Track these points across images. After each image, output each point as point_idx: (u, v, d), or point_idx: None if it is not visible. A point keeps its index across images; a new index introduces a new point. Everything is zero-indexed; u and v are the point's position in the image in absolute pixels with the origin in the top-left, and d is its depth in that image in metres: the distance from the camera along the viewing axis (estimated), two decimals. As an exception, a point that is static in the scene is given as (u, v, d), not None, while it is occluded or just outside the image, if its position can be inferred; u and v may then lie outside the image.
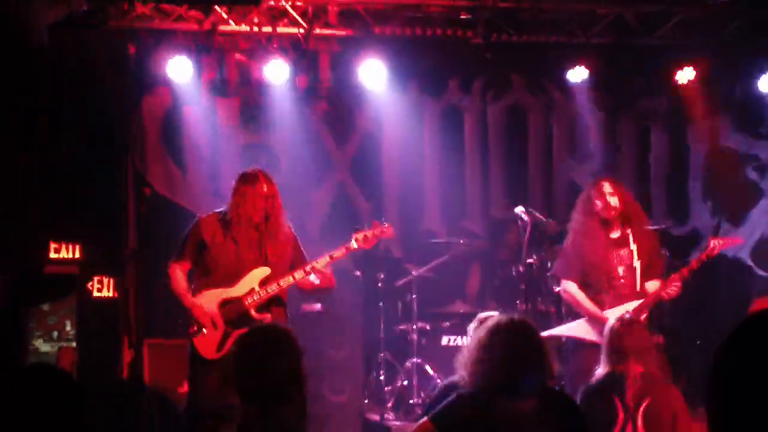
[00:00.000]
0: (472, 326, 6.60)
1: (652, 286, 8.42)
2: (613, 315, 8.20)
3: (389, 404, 10.49)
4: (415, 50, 11.56)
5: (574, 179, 12.21)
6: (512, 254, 10.87)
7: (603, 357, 6.84)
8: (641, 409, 6.48)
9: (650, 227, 8.99)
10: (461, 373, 5.14)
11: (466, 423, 5.00)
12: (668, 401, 6.65)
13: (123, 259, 10.49)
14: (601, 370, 6.79)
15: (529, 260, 9.64)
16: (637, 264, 8.45)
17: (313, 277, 7.81)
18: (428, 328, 10.77)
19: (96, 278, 9.86)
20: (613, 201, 8.49)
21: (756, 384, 1.96)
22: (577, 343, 8.51)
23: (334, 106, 11.80)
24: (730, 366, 2.02)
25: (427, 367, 10.43)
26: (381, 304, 10.86)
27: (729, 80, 12.13)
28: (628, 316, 7.09)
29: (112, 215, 10.76)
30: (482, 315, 6.66)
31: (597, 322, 8.28)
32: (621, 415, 6.48)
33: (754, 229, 12.33)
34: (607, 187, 8.53)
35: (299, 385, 4.54)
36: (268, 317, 7.72)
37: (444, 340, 10.75)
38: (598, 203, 8.50)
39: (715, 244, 8.48)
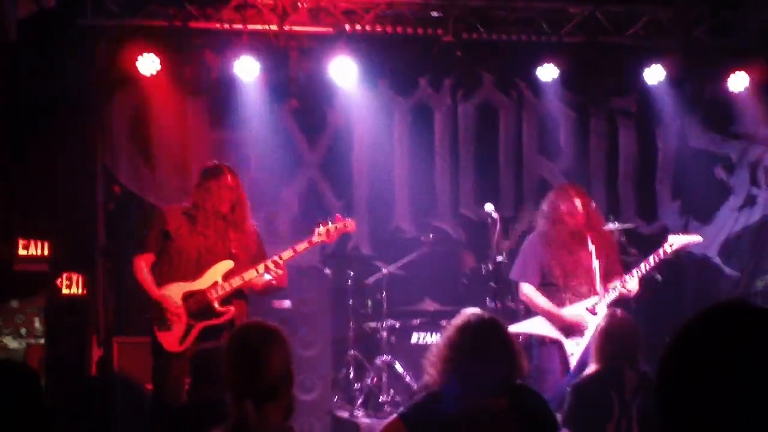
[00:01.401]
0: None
1: (612, 286, 8.55)
2: (576, 311, 8.31)
3: (359, 402, 10.49)
4: (386, 48, 11.57)
5: (545, 177, 12.25)
6: (482, 252, 10.90)
7: (596, 352, 6.85)
8: (635, 404, 6.52)
9: (608, 228, 9.09)
10: (430, 371, 5.14)
11: (436, 421, 5.00)
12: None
13: (92, 256, 10.45)
14: (594, 366, 6.80)
15: (499, 258, 9.66)
16: (595, 264, 8.55)
17: (267, 276, 7.86)
18: (398, 325, 10.77)
19: (65, 275, 9.80)
20: (581, 213, 8.60)
21: (703, 383, 1.98)
22: (536, 341, 8.59)
23: (304, 104, 11.76)
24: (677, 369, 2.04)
25: (397, 365, 10.43)
26: (350, 301, 10.87)
27: (698, 80, 12.19)
28: (619, 311, 7.13)
29: (81, 212, 10.71)
30: (467, 311, 6.69)
31: (555, 320, 8.41)
32: (617, 411, 6.51)
33: (722, 227, 12.41)
34: (577, 202, 8.63)
35: (290, 381, 4.54)
36: (231, 310, 7.77)
37: (414, 338, 10.76)
38: (566, 213, 8.59)
39: (673, 240, 8.60)
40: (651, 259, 8.60)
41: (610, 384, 6.57)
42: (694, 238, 8.82)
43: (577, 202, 8.64)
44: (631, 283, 8.53)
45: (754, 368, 1.93)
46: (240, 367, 4.47)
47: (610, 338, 6.76)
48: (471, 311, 6.55)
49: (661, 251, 8.60)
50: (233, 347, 4.58)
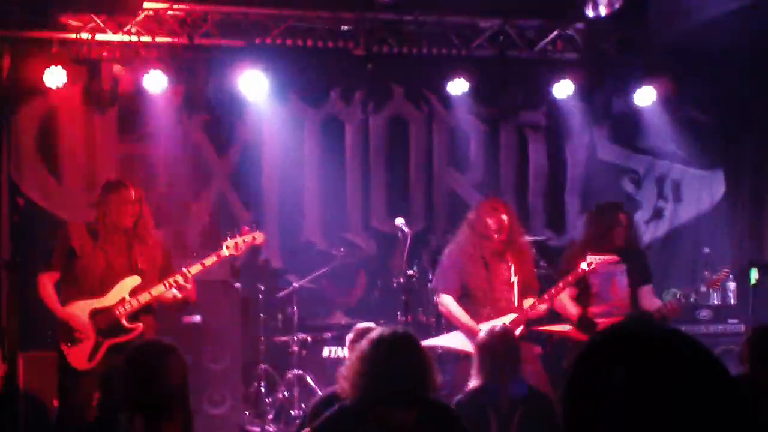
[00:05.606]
0: (349, 337, 6.62)
1: (528, 303, 8.55)
2: (485, 327, 8.29)
3: (270, 416, 10.44)
4: (297, 60, 11.50)
5: (455, 190, 12.30)
6: (393, 266, 10.91)
7: (474, 369, 6.88)
8: (515, 419, 6.53)
9: (527, 241, 9.10)
10: (343, 384, 5.12)
11: (347, 434, 4.99)
12: (542, 409, 6.71)
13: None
14: (473, 383, 6.82)
15: (410, 272, 9.66)
16: (514, 279, 8.56)
17: (174, 291, 7.78)
18: (309, 339, 10.74)
19: (-31, 289, 9.65)
20: (506, 228, 8.58)
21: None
22: (453, 355, 8.56)
23: (214, 116, 11.66)
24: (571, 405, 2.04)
25: (308, 379, 10.40)
26: (261, 315, 10.82)
27: (606, 94, 12.32)
28: (498, 327, 7.12)
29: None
30: (360, 326, 6.68)
31: (472, 335, 8.38)
32: (494, 428, 6.52)
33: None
34: (504, 217, 8.60)
35: (185, 401, 4.48)
36: (139, 326, 7.70)
37: (325, 352, 10.74)
38: (491, 224, 8.55)
39: (592, 260, 8.57)
40: (569, 277, 8.59)
41: (487, 401, 6.59)
42: (612, 258, 8.77)
43: (504, 218, 8.62)
44: (541, 307, 8.56)
45: (649, 389, 1.91)
46: (133, 383, 4.45)
47: (488, 354, 6.78)
48: (365, 325, 6.58)
49: (579, 270, 8.56)
50: (127, 364, 4.57)
